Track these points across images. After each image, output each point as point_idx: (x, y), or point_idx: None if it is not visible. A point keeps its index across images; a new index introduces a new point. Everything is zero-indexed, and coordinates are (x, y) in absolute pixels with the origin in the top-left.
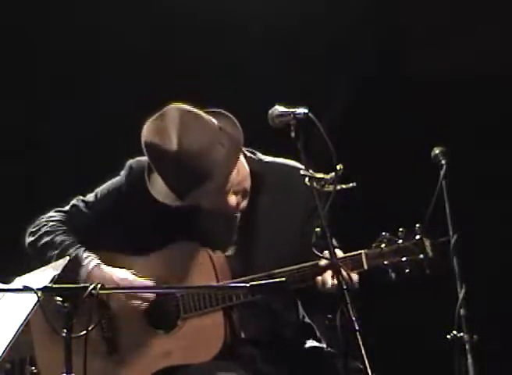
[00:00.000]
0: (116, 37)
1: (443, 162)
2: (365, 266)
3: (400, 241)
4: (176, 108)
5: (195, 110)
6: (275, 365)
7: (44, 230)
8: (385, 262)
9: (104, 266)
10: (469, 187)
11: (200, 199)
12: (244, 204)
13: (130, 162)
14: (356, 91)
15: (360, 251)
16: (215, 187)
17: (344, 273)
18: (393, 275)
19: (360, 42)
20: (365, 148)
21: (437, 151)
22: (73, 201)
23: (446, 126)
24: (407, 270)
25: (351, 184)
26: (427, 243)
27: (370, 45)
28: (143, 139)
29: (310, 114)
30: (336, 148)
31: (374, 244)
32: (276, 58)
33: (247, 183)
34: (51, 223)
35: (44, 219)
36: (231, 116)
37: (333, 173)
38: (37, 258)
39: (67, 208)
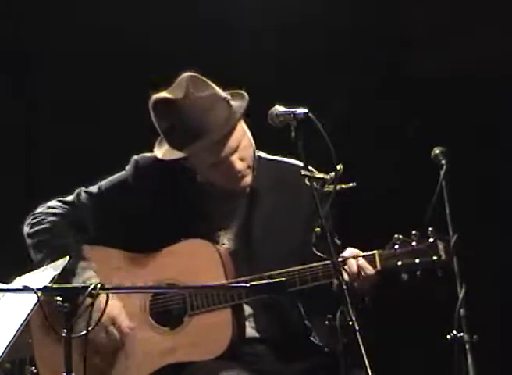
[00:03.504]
0: (116, 37)
1: (443, 162)
2: (378, 267)
3: (414, 243)
4: (185, 74)
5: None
6: (283, 363)
7: (44, 225)
8: (399, 263)
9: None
10: (469, 187)
11: (200, 151)
12: (249, 179)
13: (136, 157)
14: (356, 92)
15: (373, 252)
16: (215, 140)
17: (344, 274)
18: (405, 277)
19: (360, 42)
20: (365, 148)
21: (437, 151)
22: (76, 192)
23: (446, 126)
24: (419, 273)
25: (351, 184)
26: (440, 246)
27: (370, 45)
28: (150, 101)
29: (310, 114)
30: (336, 148)
31: (387, 246)
32: (276, 58)
33: (252, 156)
34: (51, 218)
35: (44, 211)
36: (244, 92)
37: (333, 173)
38: (32, 250)
39: (70, 198)
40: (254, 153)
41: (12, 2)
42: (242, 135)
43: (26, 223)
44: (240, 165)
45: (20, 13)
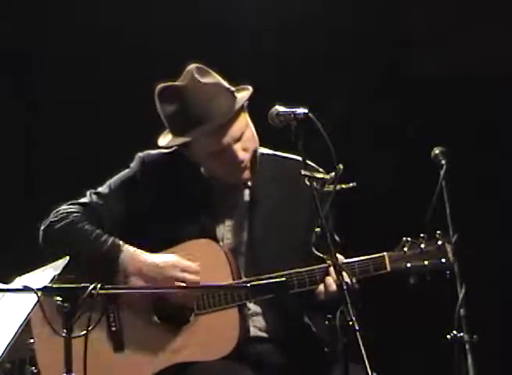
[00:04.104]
0: (116, 37)
1: (443, 162)
2: (388, 268)
3: (422, 245)
4: (191, 65)
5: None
6: (288, 362)
7: (68, 220)
8: (408, 265)
9: (141, 252)
10: (469, 187)
11: (202, 136)
12: (248, 173)
13: (140, 154)
14: (356, 92)
15: (383, 253)
16: (217, 125)
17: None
18: (413, 280)
19: (360, 42)
20: (365, 148)
21: (437, 151)
22: (87, 194)
23: (446, 126)
24: (428, 278)
25: (351, 184)
26: (449, 248)
27: (370, 45)
28: (156, 89)
29: (310, 114)
30: (336, 148)
31: (396, 248)
32: (276, 58)
33: (254, 148)
34: (75, 214)
35: (61, 212)
36: (249, 87)
37: (333, 173)
38: (59, 249)
39: (82, 200)
40: (257, 148)
41: (12, 2)
42: (245, 126)
43: (45, 225)
44: (242, 154)
45: (20, 13)
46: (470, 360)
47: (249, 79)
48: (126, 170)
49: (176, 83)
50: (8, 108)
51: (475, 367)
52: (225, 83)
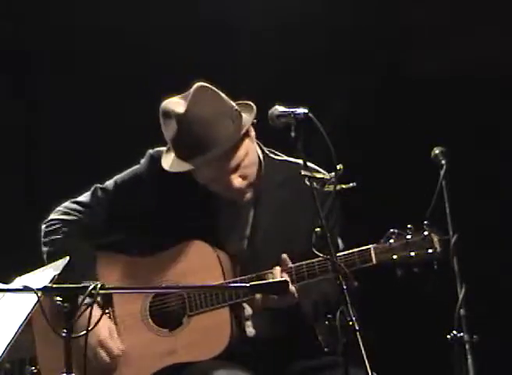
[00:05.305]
0: (116, 37)
1: (443, 162)
2: (374, 261)
3: (409, 236)
4: (196, 84)
5: (214, 88)
6: (283, 362)
7: (58, 235)
8: (394, 257)
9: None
10: (469, 187)
11: (201, 166)
12: (250, 194)
13: (150, 151)
14: (356, 92)
15: (368, 246)
16: (214, 156)
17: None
18: (400, 272)
19: (360, 42)
20: (365, 149)
21: (437, 151)
22: (92, 190)
23: (446, 126)
24: (416, 269)
25: (351, 184)
26: (435, 239)
27: (370, 45)
28: (160, 108)
29: (310, 114)
30: (336, 148)
31: (382, 240)
32: (276, 58)
33: (254, 172)
34: (65, 228)
35: (59, 217)
36: (252, 105)
37: (333, 173)
38: (47, 258)
39: (85, 199)
40: (260, 163)
41: (12, 2)
42: (245, 154)
43: (42, 228)
44: (239, 183)
45: (20, 13)
46: (470, 360)
47: (249, 79)
48: (135, 167)
49: (174, 108)
50: (8, 108)
51: (475, 367)
52: (228, 105)
